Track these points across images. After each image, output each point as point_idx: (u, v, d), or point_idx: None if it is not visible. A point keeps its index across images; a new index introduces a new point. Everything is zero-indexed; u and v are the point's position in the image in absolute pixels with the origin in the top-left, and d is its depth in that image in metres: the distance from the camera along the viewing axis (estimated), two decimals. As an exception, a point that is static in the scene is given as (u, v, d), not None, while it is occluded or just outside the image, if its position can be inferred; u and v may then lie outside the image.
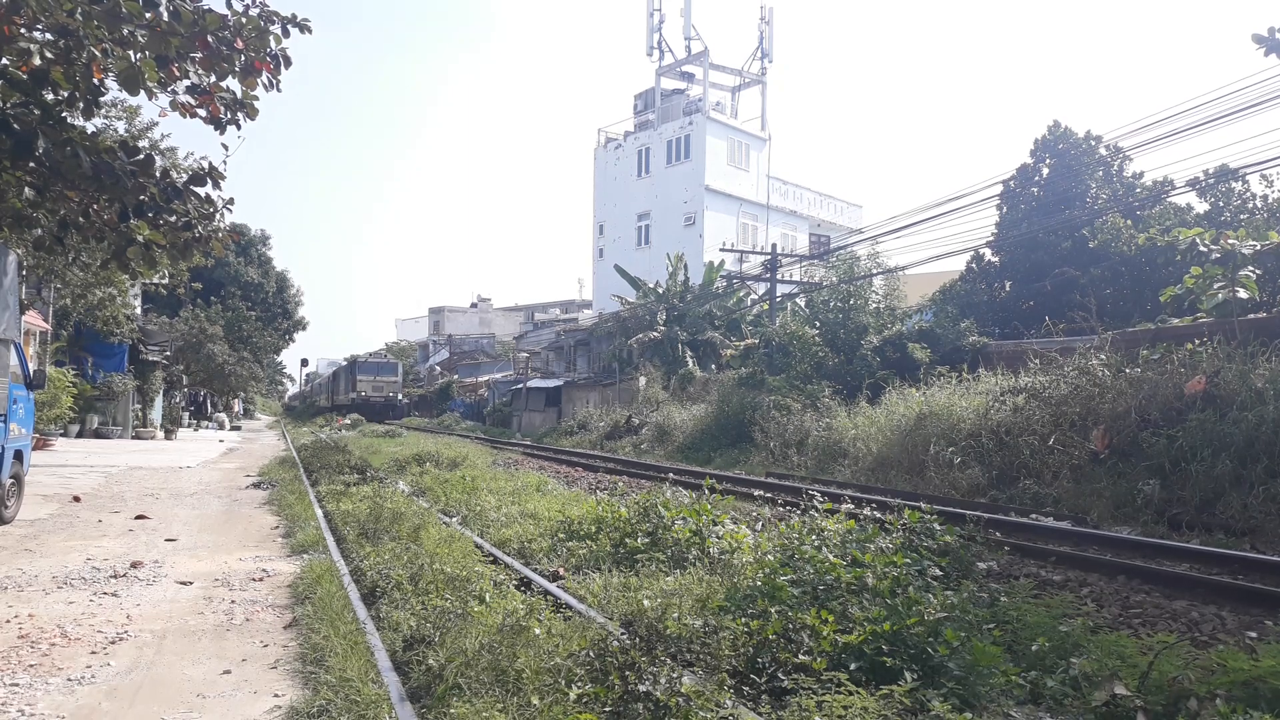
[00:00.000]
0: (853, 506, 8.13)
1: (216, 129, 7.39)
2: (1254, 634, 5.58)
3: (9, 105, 6.57)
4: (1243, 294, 13.35)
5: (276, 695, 4.45)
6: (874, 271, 25.17)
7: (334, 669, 4.48)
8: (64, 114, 6.95)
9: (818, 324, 24.49)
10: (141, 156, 7.14)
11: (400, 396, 53.76)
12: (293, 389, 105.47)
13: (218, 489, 14.10)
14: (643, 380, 29.80)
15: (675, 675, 3.82)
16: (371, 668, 4.52)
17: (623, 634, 4.46)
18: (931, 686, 4.00)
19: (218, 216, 7.99)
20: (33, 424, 10.99)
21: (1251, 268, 13.55)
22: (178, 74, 7.09)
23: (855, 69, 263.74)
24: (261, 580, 7.18)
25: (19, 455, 9.85)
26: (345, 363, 68.16)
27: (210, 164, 7.72)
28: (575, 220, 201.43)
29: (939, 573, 6.08)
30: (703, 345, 32.08)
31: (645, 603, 5.17)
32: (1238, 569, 7.46)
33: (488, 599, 5.47)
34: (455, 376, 59.14)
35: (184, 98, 7.33)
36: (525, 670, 4.12)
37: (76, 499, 11.97)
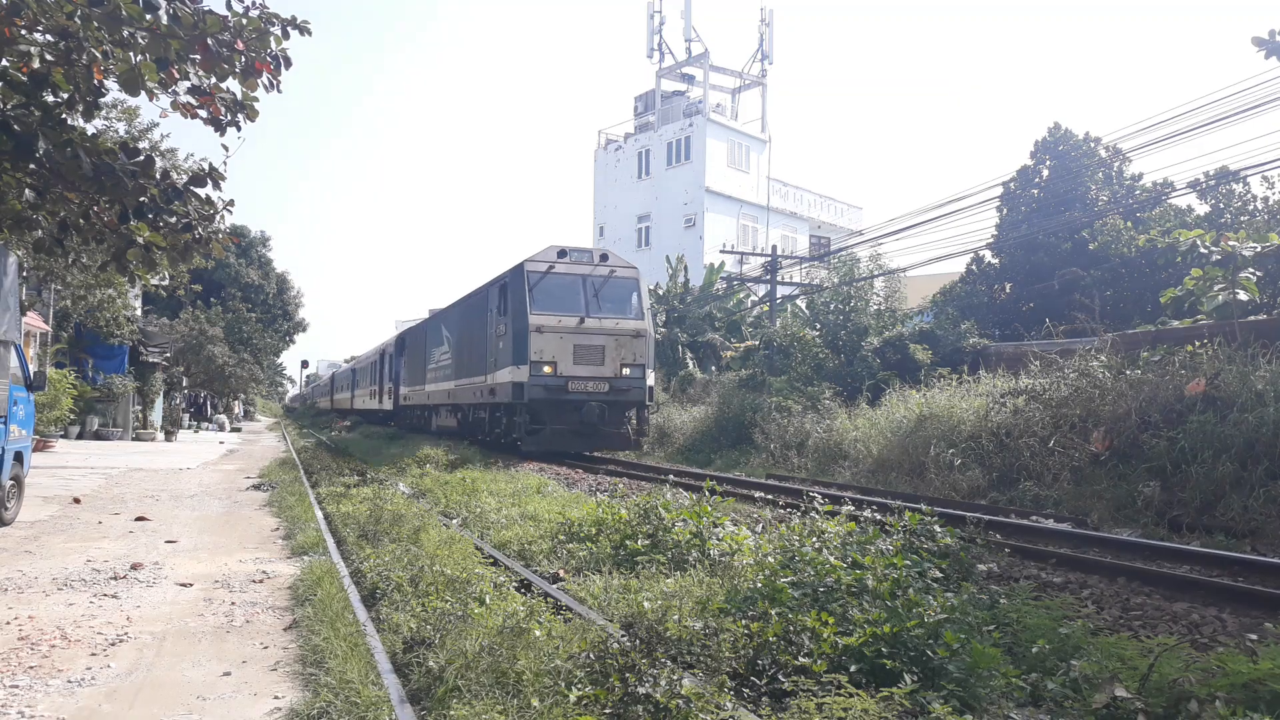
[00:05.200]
0: (853, 508, 8.10)
1: (217, 130, 7.39)
2: (1254, 636, 5.56)
3: (9, 107, 6.57)
4: (1243, 296, 13.35)
5: (276, 697, 4.45)
6: (874, 273, 25.17)
7: (334, 671, 4.47)
8: (64, 116, 6.95)
9: (818, 326, 24.49)
10: (142, 158, 7.14)
11: (651, 379, 18.22)
12: (293, 390, 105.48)
13: (218, 491, 14.10)
14: (643, 382, 29.74)
15: (675, 677, 3.82)
16: (371, 670, 4.52)
17: (623, 636, 4.45)
18: (931, 688, 3.99)
19: (218, 218, 7.98)
20: (33, 425, 10.99)
21: (1252, 270, 13.55)
22: (178, 76, 7.09)
23: (855, 70, 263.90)
24: (262, 582, 7.18)
25: (19, 457, 9.85)
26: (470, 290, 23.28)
27: (210, 165, 7.72)
28: (575, 222, 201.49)
29: (939, 575, 6.07)
30: (703, 347, 32.08)
31: (645, 604, 5.16)
32: (1238, 571, 7.46)
33: (488, 601, 5.46)
34: (456, 378, 58.42)
35: (185, 99, 7.34)
36: (525, 672, 4.12)
37: (77, 500, 11.97)
